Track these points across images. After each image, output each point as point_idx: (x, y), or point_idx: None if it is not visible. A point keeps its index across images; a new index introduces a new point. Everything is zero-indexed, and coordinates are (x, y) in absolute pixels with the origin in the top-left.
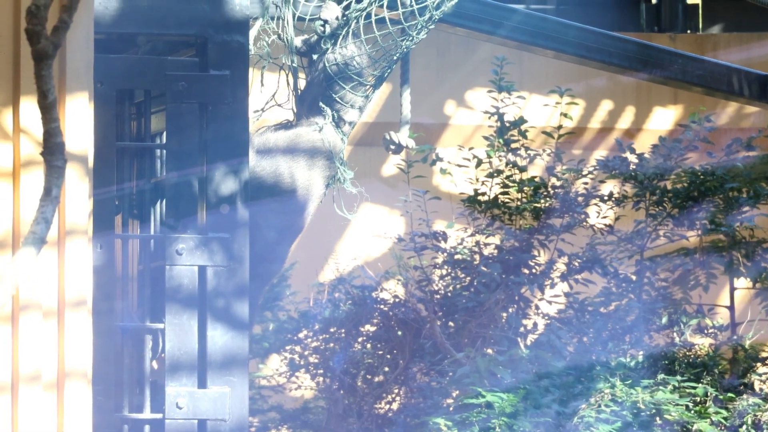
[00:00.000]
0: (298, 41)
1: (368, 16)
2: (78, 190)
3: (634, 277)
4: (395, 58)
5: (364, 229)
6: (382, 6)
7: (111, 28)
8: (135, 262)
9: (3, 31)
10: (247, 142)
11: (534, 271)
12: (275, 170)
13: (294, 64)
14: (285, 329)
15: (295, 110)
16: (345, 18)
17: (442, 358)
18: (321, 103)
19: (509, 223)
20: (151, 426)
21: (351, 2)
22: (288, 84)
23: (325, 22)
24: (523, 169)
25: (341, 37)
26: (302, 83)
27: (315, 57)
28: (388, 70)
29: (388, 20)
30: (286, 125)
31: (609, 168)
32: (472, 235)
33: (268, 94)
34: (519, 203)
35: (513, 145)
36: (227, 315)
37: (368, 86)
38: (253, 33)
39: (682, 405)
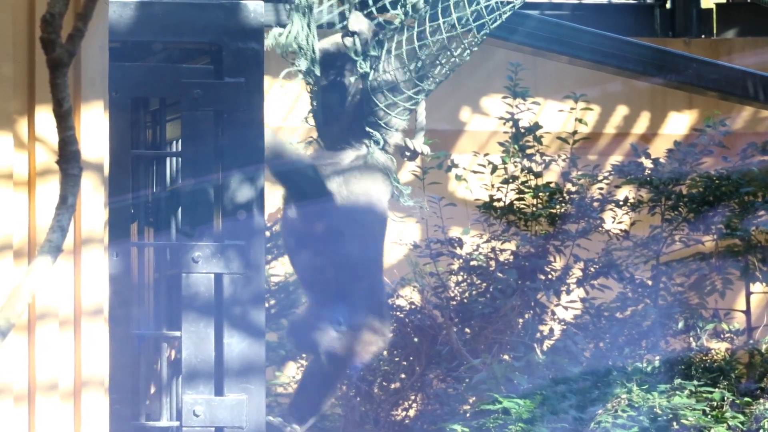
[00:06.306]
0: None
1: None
2: (94, 198)
3: (650, 282)
4: (438, 80)
5: None
6: (420, 28)
7: (125, 36)
8: (151, 270)
9: (18, 39)
10: (262, 149)
11: (550, 276)
12: (355, 197)
13: (316, 74)
14: None
15: (321, 129)
16: (377, 39)
17: (458, 364)
18: (367, 128)
19: (525, 229)
20: None
21: (380, 20)
22: (312, 103)
23: (354, 33)
24: (538, 175)
25: (382, 60)
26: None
27: (352, 79)
28: (429, 91)
29: (429, 40)
30: (337, 149)
31: (624, 173)
32: (487, 241)
33: (283, 102)
34: (534, 209)
35: (528, 151)
36: (244, 322)
37: (410, 109)
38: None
39: (698, 410)
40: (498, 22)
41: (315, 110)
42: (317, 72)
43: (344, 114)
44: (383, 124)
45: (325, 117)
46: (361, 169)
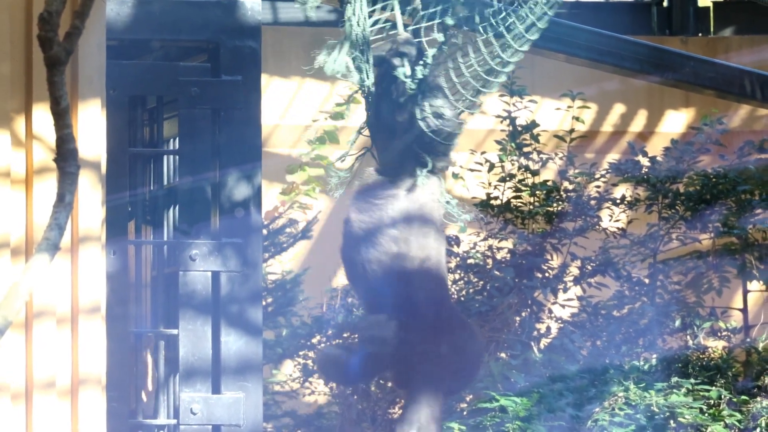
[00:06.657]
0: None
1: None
2: (91, 196)
3: (647, 281)
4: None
5: None
6: (463, 53)
7: (123, 35)
8: (148, 268)
9: (15, 37)
10: (259, 147)
11: (547, 274)
12: (415, 244)
13: (370, 87)
14: (298, 334)
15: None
16: (422, 61)
17: None
18: (423, 154)
19: (522, 227)
20: None
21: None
22: (366, 112)
23: (403, 55)
24: (535, 173)
25: (426, 90)
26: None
27: (402, 100)
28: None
29: (464, 69)
30: (391, 175)
31: (621, 171)
32: (484, 239)
33: (280, 100)
34: (531, 207)
35: (525, 149)
36: (241, 320)
37: (455, 134)
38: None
39: (696, 408)
40: (526, 40)
41: (370, 120)
42: (372, 86)
43: (397, 127)
44: (430, 149)
45: (379, 128)
46: (423, 213)
